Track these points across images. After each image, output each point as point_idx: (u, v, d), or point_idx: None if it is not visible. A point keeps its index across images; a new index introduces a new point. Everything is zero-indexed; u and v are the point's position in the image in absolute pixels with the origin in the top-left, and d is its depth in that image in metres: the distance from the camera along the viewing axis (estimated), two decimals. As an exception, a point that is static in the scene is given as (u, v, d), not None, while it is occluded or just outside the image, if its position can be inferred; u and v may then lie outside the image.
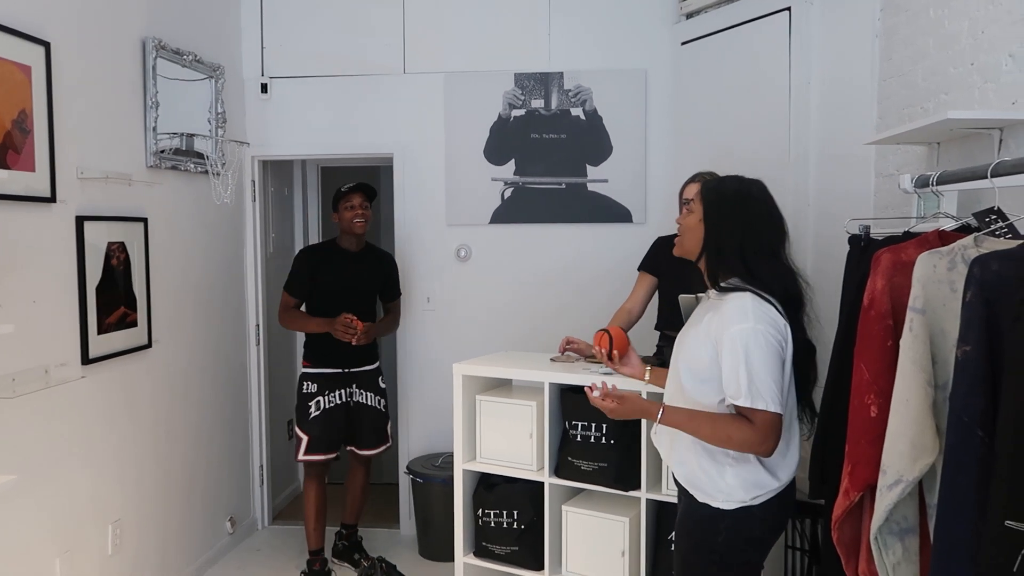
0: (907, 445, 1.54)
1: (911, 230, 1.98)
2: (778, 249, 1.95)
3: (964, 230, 1.77)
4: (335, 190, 3.62)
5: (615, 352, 2.22)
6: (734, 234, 1.89)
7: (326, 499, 3.61)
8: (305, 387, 3.56)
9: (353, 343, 3.39)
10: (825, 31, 3.12)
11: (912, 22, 2.54)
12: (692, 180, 2.95)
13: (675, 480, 2.05)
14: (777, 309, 1.85)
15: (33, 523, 2.57)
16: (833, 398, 2.06)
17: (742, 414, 1.83)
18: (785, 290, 1.90)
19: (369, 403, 3.62)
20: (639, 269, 3.15)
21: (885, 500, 1.57)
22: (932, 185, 1.89)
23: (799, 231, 3.23)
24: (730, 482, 1.88)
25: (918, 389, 1.55)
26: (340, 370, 3.56)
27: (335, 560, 3.75)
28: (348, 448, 3.67)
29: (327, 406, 3.53)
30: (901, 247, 1.79)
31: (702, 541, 1.94)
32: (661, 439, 2.08)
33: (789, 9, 3.23)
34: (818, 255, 3.16)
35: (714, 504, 1.91)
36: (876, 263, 1.80)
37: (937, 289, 1.58)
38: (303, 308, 3.63)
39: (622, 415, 2.04)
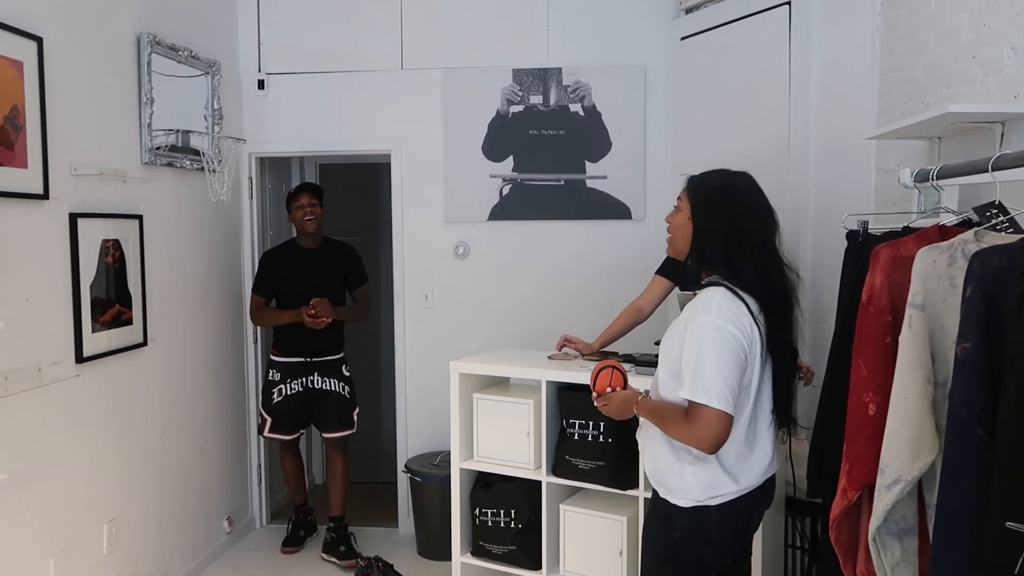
0: (906, 444, 1.52)
1: (911, 225, 1.95)
2: (768, 241, 1.90)
3: (965, 225, 1.74)
4: (286, 195, 3.92)
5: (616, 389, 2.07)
6: (720, 230, 1.86)
7: (301, 463, 4.02)
8: (271, 374, 3.84)
9: (320, 326, 3.63)
10: (825, 25, 3.09)
11: (913, 16, 2.51)
12: None
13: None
14: (749, 309, 1.81)
15: (26, 523, 2.55)
16: (831, 395, 2.04)
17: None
18: (770, 289, 1.86)
19: (332, 388, 3.82)
20: (656, 273, 3.07)
21: (884, 500, 1.54)
22: (932, 180, 1.86)
23: (798, 227, 3.21)
24: (689, 480, 1.87)
25: (917, 386, 1.53)
26: (303, 359, 3.79)
27: (324, 555, 3.80)
28: (322, 436, 3.90)
29: (289, 392, 3.81)
30: (900, 242, 1.77)
31: (661, 535, 1.96)
32: (640, 434, 2.08)
33: (789, 3, 3.20)
34: (817, 251, 3.13)
35: (673, 501, 1.91)
36: (875, 259, 1.78)
37: (937, 285, 1.56)
38: (275, 306, 3.85)
39: (612, 412, 2.04)
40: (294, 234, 3.97)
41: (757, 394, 1.85)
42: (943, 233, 1.73)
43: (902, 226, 1.98)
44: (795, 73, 3.19)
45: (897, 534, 1.58)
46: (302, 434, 3.96)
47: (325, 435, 3.86)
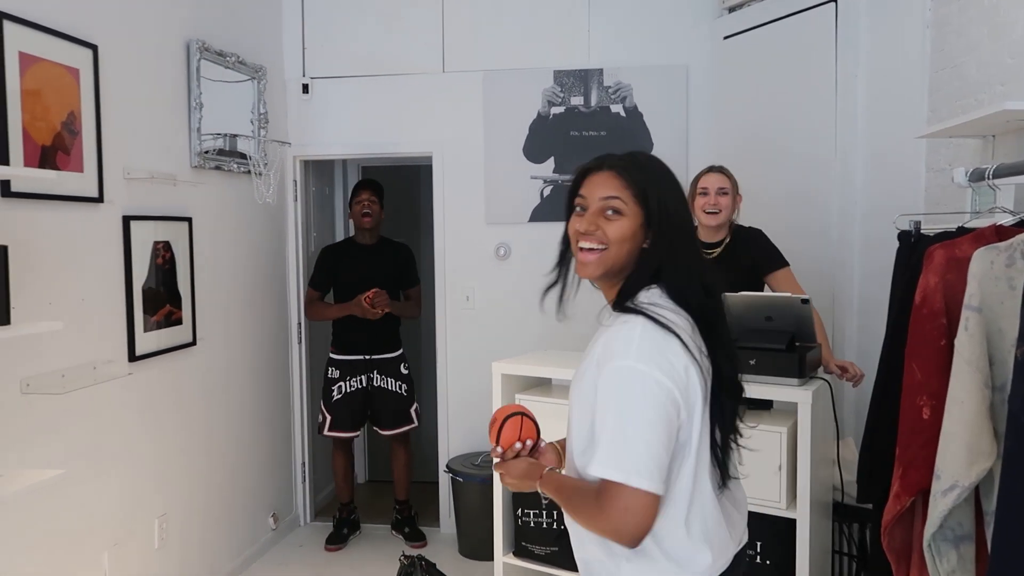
0: (962, 449, 1.49)
1: (965, 225, 1.91)
2: (692, 235, 1.48)
3: (1022, 225, 1.70)
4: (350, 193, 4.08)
5: (526, 443, 1.57)
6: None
7: (351, 463, 4.12)
8: (330, 372, 3.97)
9: (375, 316, 3.74)
10: (873, 22, 3.04)
11: (964, 11, 2.45)
12: (711, 171, 2.89)
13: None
14: (683, 343, 1.31)
15: (82, 516, 2.62)
16: (882, 399, 2.00)
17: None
18: (702, 304, 1.38)
19: (389, 387, 3.96)
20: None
21: (939, 506, 1.51)
22: (988, 179, 1.82)
23: (846, 228, 3.16)
24: None
25: (974, 391, 1.49)
26: (362, 357, 3.92)
27: (393, 532, 4.11)
28: (381, 433, 4.05)
29: (348, 390, 3.93)
30: (955, 243, 1.73)
31: None
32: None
33: (836, 1, 3.15)
34: (866, 252, 3.08)
35: None
36: (928, 260, 1.74)
37: (994, 286, 1.52)
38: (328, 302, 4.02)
39: (511, 484, 1.53)
40: (351, 232, 4.18)
41: (699, 448, 1.35)
42: (1000, 233, 1.69)
43: (956, 226, 1.94)
44: (842, 71, 3.14)
45: (953, 541, 1.55)
46: (359, 434, 4.08)
47: (383, 432, 4.01)
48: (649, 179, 1.42)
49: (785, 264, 2.85)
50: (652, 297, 1.37)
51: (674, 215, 1.40)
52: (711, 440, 1.37)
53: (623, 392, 1.28)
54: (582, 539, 1.45)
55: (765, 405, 2.57)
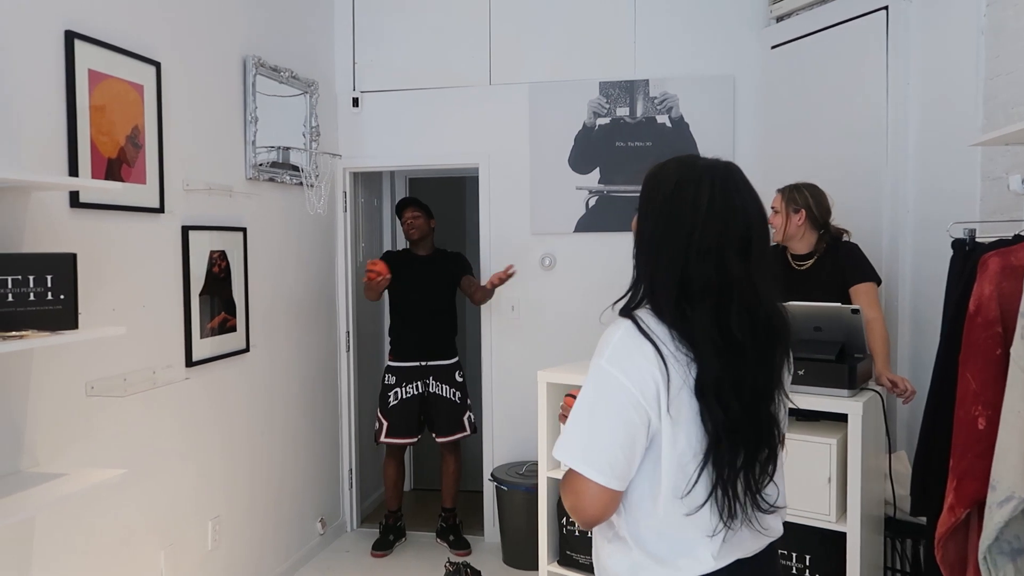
0: (1019, 459, 1.46)
1: (1022, 233, 1.87)
2: (728, 254, 1.31)
3: (1082, 233, 1.66)
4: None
5: None
6: (648, 236, 1.38)
7: (403, 472, 4.18)
8: (387, 379, 4.04)
9: (377, 286, 3.69)
10: (925, 29, 3.00)
11: (1021, 16, 2.41)
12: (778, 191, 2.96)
13: None
14: (659, 351, 1.28)
15: (141, 516, 2.71)
16: (936, 410, 1.97)
17: None
18: (682, 311, 1.30)
19: (444, 395, 4.02)
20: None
21: (995, 517, 1.48)
22: (1046, 186, 1.78)
23: (898, 237, 3.11)
24: (606, 562, 1.42)
25: (1031, 400, 1.47)
26: (418, 363, 4.00)
27: (438, 539, 4.17)
28: (435, 439, 4.09)
29: (404, 396, 4.00)
30: (1011, 251, 1.70)
31: None
32: None
33: (887, 8, 3.11)
34: (918, 261, 3.03)
35: None
36: (983, 268, 1.72)
37: (1052, 294, 1.49)
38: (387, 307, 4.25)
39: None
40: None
41: (665, 458, 1.31)
42: (1058, 241, 1.66)
43: (1013, 234, 1.90)
44: (893, 79, 3.10)
45: (1010, 554, 1.51)
46: (414, 442, 4.10)
47: (438, 439, 4.05)
48: (642, 191, 1.42)
49: (870, 279, 2.81)
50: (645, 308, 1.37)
51: (644, 231, 1.39)
52: (717, 472, 1.29)
53: (590, 387, 1.33)
54: None
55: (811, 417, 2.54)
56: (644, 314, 1.34)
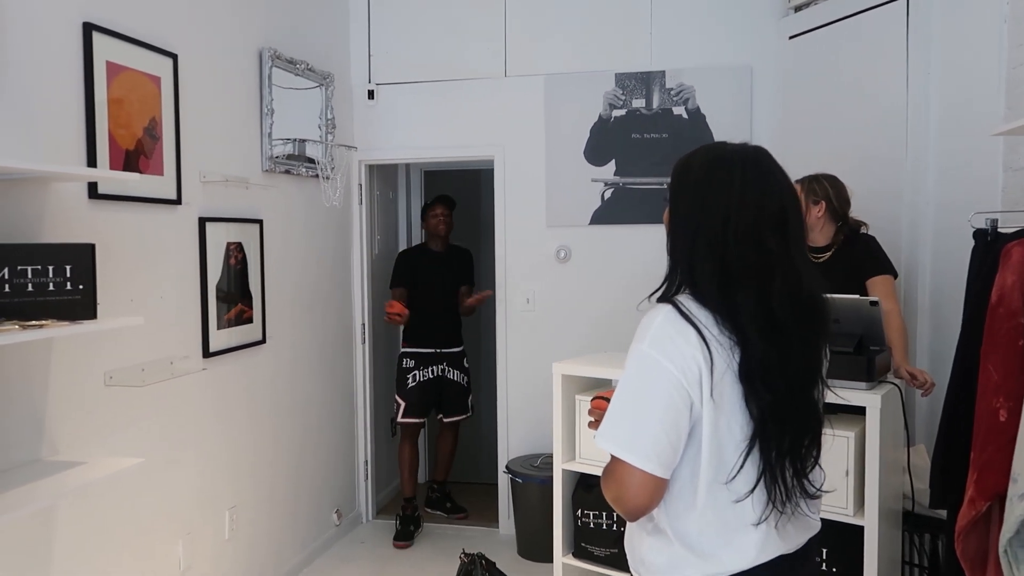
0: (1042, 451, 1.44)
1: (1045, 223, 1.85)
2: (764, 237, 1.30)
3: (1107, 222, 1.64)
4: (423, 205, 4.55)
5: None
6: (684, 222, 1.37)
7: (417, 456, 4.36)
8: (404, 363, 4.26)
9: (396, 322, 4.08)
10: (946, 17, 2.95)
11: (1046, 3, 2.37)
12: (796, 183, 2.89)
13: None
14: (702, 335, 1.27)
15: (158, 505, 2.74)
16: (956, 402, 1.95)
17: None
18: (764, 308, 1.28)
19: (455, 379, 4.32)
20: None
21: (1016, 510, 1.47)
22: (1070, 174, 1.75)
23: (917, 226, 3.08)
24: (646, 555, 1.39)
25: (1054, 391, 1.44)
26: (433, 350, 4.25)
27: (428, 509, 4.40)
28: (438, 416, 4.37)
29: (422, 379, 4.23)
30: (1034, 240, 1.68)
31: None
32: None
33: (907, -4, 3.07)
34: (938, 251, 2.99)
35: None
36: (1006, 258, 1.69)
37: (1076, 284, 1.47)
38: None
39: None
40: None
41: (707, 444, 1.29)
42: (1083, 230, 1.63)
43: (1035, 224, 1.88)
44: (913, 68, 3.06)
45: (1031, 547, 1.49)
46: (424, 423, 4.37)
47: (445, 419, 4.33)
48: (671, 182, 1.42)
49: (886, 272, 2.78)
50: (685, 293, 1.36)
51: (678, 220, 1.38)
52: (764, 458, 1.29)
53: (632, 373, 1.31)
54: None
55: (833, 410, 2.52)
56: (685, 299, 1.32)
